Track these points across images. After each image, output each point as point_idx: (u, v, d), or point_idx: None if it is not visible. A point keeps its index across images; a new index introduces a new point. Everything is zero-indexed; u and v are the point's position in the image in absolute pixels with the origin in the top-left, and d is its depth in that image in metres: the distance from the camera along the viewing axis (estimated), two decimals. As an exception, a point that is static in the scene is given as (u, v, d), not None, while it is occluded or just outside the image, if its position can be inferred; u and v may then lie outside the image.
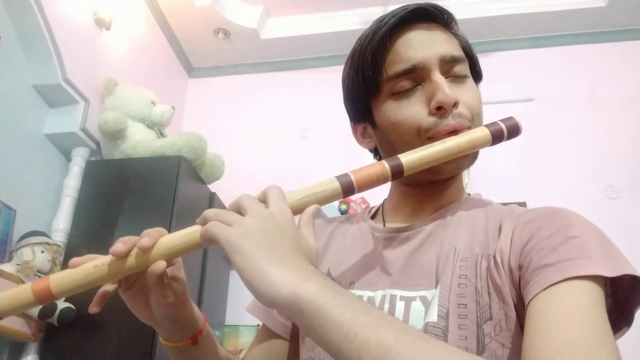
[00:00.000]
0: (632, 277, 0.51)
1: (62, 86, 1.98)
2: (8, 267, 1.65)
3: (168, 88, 2.89)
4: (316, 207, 0.55)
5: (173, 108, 2.32)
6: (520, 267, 0.53)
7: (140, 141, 2.11)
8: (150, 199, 1.98)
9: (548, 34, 2.86)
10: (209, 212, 0.52)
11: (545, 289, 0.48)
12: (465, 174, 2.59)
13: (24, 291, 0.52)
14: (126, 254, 0.52)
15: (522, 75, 2.81)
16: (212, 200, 2.34)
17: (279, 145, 2.85)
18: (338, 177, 0.56)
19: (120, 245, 0.52)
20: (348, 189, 0.56)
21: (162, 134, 2.25)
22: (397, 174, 0.58)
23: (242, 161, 2.71)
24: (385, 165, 0.58)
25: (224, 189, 2.40)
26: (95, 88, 2.20)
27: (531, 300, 0.48)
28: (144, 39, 2.68)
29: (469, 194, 0.73)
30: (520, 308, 0.53)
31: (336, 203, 2.54)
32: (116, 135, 2.07)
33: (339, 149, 2.28)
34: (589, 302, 0.46)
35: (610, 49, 2.80)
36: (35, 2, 1.87)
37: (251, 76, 3.12)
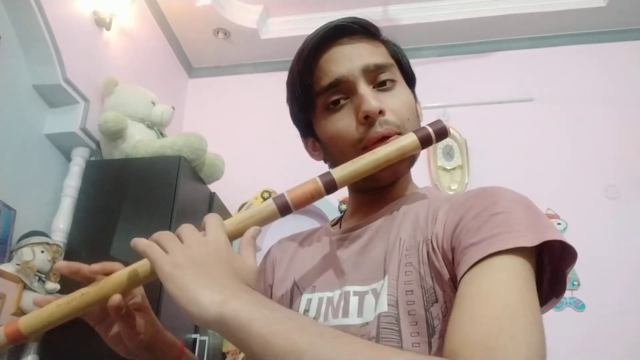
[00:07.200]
0: (561, 243, 0.52)
1: (62, 86, 1.98)
2: (8, 267, 1.65)
3: (168, 88, 2.89)
4: (256, 229, 0.57)
5: (173, 108, 2.32)
6: (452, 250, 0.54)
7: (140, 141, 2.11)
8: (150, 199, 1.98)
9: (548, 34, 2.86)
10: (156, 234, 0.54)
11: (469, 268, 0.49)
12: (465, 174, 2.59)
13: None
14: (47, 302, 0.58)
15: (522, 75, 2.80)
16: (212, 200, 2.34)
17: (279, 145, 2.85)
18: (274, 199, 0.59)
19: (39, 299, 0.58)
20: (284, 208, 0.59)
21: (162, 134, 2.25)
22: (330, 189, 0.61)
23: (242, 161, 2.71)
24: (318, 182, 0.61)
25: (224, 189, 2.40)
26: (95, 88, 2.19)
27: (459, 280, 0.50)
28: (144, 39, 2.68)
29: (419, 188, 0.75)
30: None
31: (336, 203, 2.55)
32: (116, 135, 2.07)
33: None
34: (508, 277, 0.47)
35: (610, 49, 2.80)
36: (35, 2, 1.87)
37: (251, 76, 3.12)
